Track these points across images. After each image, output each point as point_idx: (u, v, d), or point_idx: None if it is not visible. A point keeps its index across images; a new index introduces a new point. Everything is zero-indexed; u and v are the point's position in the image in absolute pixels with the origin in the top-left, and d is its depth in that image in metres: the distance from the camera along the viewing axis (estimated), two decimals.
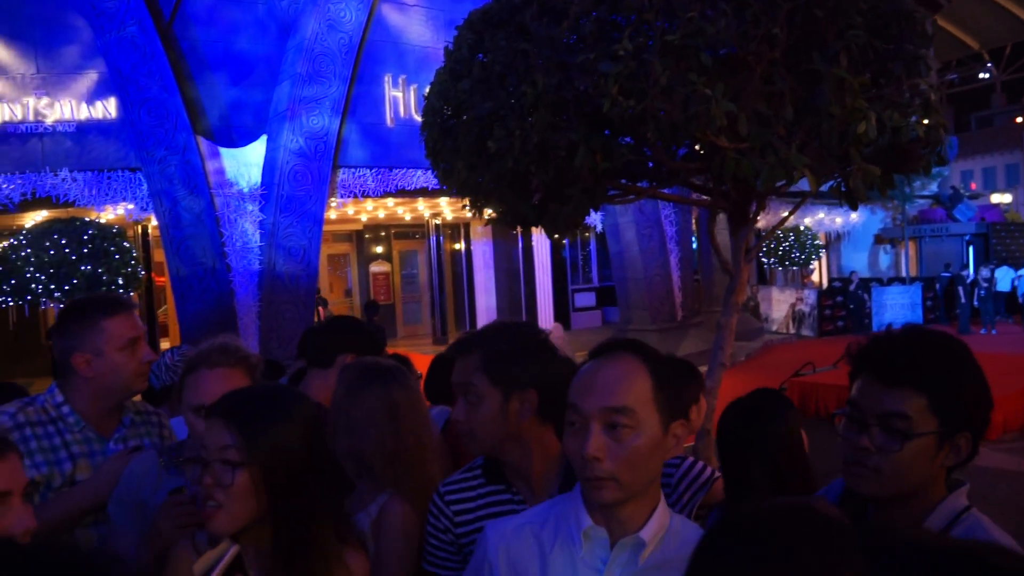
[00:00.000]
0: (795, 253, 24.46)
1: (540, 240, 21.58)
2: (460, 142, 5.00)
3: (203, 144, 12.97)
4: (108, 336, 2.68)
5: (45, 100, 12.50)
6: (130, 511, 2.45)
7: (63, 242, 11.87)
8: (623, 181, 5.69)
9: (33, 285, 11.73)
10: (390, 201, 16.59)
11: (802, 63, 4.48)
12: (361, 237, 22.98)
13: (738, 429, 2.49)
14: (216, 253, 12.89)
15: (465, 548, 2.20)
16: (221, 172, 13.16)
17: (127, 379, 2.73)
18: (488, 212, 5.68)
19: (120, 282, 12.20)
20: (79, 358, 2.67)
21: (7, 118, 12.40)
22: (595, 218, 17.34)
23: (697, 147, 5.01)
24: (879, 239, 29.85)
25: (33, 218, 13.26)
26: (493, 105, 4.71)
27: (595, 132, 4.53)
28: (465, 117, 4.97)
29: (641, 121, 4.30)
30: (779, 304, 23.19)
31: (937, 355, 1.71)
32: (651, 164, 5.93)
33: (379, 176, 14.53)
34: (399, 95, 14.77)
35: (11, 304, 11.97)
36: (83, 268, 11.85)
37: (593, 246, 24.85)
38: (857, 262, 29.47)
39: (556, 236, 5.72)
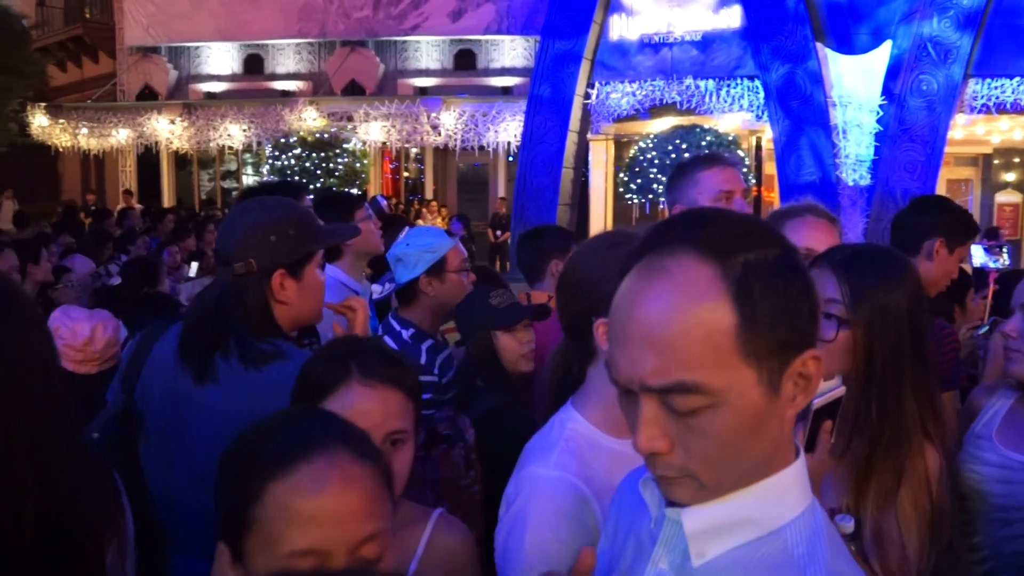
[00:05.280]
0: None
1: None
2: None
3: (822, 51, 12.65)
4: (701, 188, 2.81)
5: (677, 11, 13.31)
6: None
7: (683, 147, 12.70)
8: None
9: (655, 185, 12.82)
10: None
11: None
12: (988, 161, 20.60)
13: None
14: (827, 165, 12.62)
15: None
16: (839, 80, 12.73)
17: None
18: None
19: None
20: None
21: (644, 30, 13.51)
22: None
23: None
24: None
25: (659, 124, 14.30)
26: None
27: None
28: None
29: None
30: None
31: None
32: None
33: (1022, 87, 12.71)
34: None
35: (636, 201, 13.29)
36: None
37: None
38: None
39: None
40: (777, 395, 1.00)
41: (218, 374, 2.04)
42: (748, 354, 0.97)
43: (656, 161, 12.86)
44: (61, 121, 20.60)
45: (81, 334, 2.69)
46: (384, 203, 4.26)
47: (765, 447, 1.02)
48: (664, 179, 12.92)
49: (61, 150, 21.55)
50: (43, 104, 21.18)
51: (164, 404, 2.10)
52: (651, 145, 13.04)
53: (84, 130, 20.31)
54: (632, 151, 14.07)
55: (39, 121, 20.68)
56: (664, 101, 13.59)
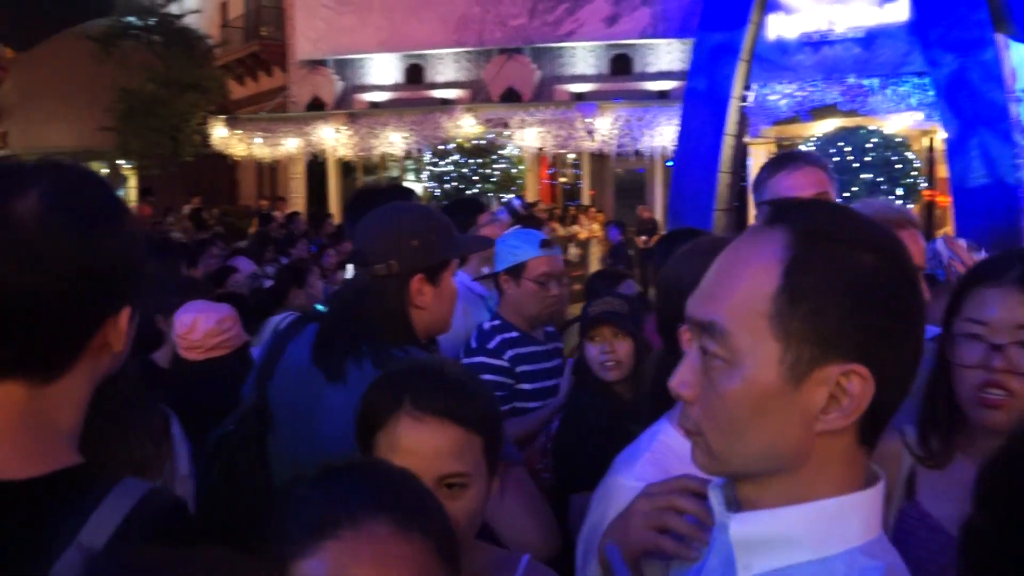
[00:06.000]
0: None
1: None
2: None
3: (1001, 41, 11.83)
4: (769, 194, 2.61)
5: (838, 7, 12.81)
6: None
7: (847, 150, 12.21)
8: None
9: None
10: None
11: None
12: None
13: None
14: (1007, 164, 11.79)
15: None
16: (1023, 72, 11.88)
17: None
18: None
19: (899, 193, 12.11)
20: None
21: (803, 29, 13.07)
22: None
23: None
24: None
25: (821, 127, 13.81)
26: None
27: None
28: None
29: None
30: None
31: None
32: None
33: None
34: None
35: None
36: (863, 176, 12.02)
37: None
38: None
39: None
40: (797, 388, 0.97)
41: (348, 376, 2.06)
42: (778, 327, 0.97)
43: None
44: (238, 132, 21.96)
45: (183, 324, 2.95)
46: (519, 204, 4.31)
47: (774, 440, 1.00)
48: None
49: (238, 159, 22.99)
50: (222, 116, 22.66)
51: (295, 402, 2.15)
52: (813, 148, 12.58)
53: (258, 140, 21.56)
54: None
55: (218, 132, 22.13)
56: (825, 102, 13.05)
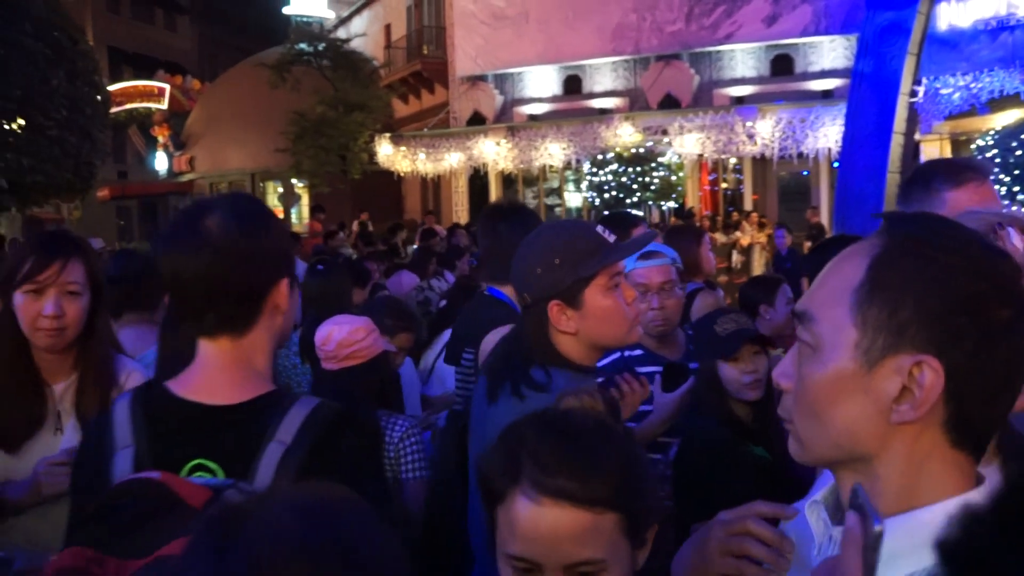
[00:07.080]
0: None
1: None
2: None
3: None
4: (948, 211, 2.29)
5: None
6: None
7: None
8: None
9: (997, 187, 11.72)
10: None
11: None
12: None
13: None
14: None
15: None
16: None
17: None
18: None
19: None
20: None
21: (979, 15, 12.40)
22: None
23: None
24: None
25: (1001, 119, 13.06)
26: None
27: None
28: None
29: None
30: None
31: None
32: None
33: None
34: None
35: None
36: None
37: None
38: None
39: None
40: (870, 374, 1.01)
41: (499, 397, 2.11)
42: (857, 315, 1.02)
43: (998, 160, 11.70)
44: (402, 149, 22.85)
45: (320, 336, 3.15)
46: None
47: (850, 426, 1.03)
48: (1007, 180, 11.72)
49: (403, 175, 23.91)
50: (388, 134, 23.64)
51: (476, 412, 2.28)
52: (991, 143, 11.89)
53: (422, 156, 22.36)
54: (971, 149, 12.95)
55: (384, 150, 23.09)
56: (1004, 92, 12.32)
